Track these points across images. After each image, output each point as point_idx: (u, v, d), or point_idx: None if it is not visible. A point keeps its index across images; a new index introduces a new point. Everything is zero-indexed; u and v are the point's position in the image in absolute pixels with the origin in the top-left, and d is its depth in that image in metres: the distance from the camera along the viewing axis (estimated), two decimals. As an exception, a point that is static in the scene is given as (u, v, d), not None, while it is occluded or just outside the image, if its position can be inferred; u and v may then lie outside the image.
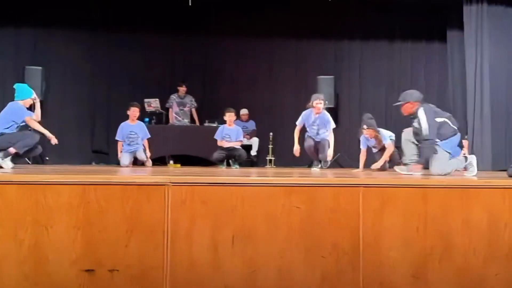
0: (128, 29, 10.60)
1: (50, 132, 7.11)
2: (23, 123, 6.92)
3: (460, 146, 6.39)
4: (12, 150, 6.64)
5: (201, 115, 10.80)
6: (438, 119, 6.09)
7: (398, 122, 11.13)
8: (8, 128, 6.75)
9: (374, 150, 8.07)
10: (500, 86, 9.36)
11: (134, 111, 9.34)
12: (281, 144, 10.43)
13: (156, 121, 10.57)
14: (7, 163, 6.47)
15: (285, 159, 10.26)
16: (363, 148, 7.99)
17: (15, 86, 7.18)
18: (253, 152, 10.52)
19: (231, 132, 9.19)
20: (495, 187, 4.26)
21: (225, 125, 9.24)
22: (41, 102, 10.17)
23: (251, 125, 10.94)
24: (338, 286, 3.96)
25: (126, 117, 9.40)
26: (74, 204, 3.72)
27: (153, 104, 10.50)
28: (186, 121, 10.64)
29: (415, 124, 6.18)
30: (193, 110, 10.76)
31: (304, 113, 8.49)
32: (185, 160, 9.89)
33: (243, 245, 3.88)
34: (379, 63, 11.22)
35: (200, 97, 10.88)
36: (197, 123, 10.73)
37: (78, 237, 3.71)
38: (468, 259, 4.12)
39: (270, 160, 10.31)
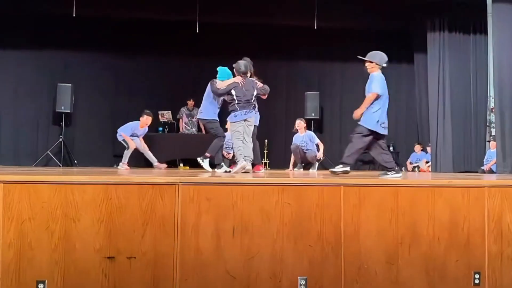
0: (146, 52, 10.59)
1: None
2: None
3: None
4: None
5: (207, 125, 10.77)
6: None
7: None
8: None
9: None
10: (459, 100, 9.36)
11: (147, 120, 9.17)
12: (274, 149, 10.42)
13: (169, 130, 10.56)
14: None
15: (277, 162, 10.24)
16: None
17: (218, 68, 6.89)
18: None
19: None
20: (456, 186, 4.23)
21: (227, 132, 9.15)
22: (69, 113, 10.24)
23: (249, 133, 10.87)
24: (323, 271, 3.92)
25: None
26: (97, 200, 3.68)
27: (166, 115, 10.49)
28: (193, 130, 10.62)
29: None
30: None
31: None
32: (193, 163, 9.83)
33: (241, 236, 3.83)
34: (356, 81, 11.17)
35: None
36: (203, 131, 10.64)
37: (101, 229, 3.67)
38: (432, 248, 4.09)
39: (265, 163, 10.26)
